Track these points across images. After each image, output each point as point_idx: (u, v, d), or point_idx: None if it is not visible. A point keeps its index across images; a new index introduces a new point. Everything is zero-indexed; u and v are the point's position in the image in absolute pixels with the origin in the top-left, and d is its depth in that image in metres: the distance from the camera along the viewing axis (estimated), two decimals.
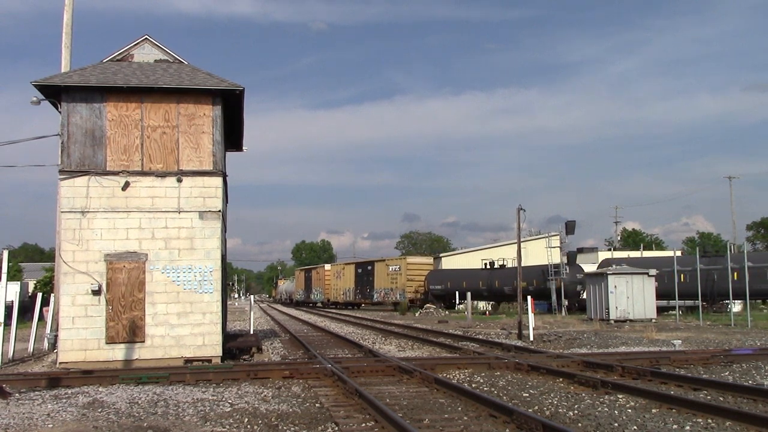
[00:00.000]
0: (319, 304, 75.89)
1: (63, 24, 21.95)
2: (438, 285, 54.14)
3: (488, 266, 51.43)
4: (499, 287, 47.91)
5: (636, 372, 13.10)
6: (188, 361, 16.81)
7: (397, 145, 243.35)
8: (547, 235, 53.43)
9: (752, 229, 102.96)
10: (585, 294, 39.91)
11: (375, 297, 61.78)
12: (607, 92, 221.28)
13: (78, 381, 13.27)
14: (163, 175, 17.29)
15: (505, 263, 50.39)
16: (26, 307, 37.11)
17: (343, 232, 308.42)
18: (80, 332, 16.47)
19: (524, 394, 11.42)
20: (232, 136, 21.41)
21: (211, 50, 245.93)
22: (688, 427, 8.65)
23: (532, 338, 22.67)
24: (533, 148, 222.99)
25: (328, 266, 78.63)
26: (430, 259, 64.58)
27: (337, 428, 8.91)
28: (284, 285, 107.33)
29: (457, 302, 50.16)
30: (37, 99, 17.77)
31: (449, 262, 65.78)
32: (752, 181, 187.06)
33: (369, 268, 63.83)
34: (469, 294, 39.51)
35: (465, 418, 9.39)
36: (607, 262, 44.21)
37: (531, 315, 23.91)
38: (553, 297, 42.49)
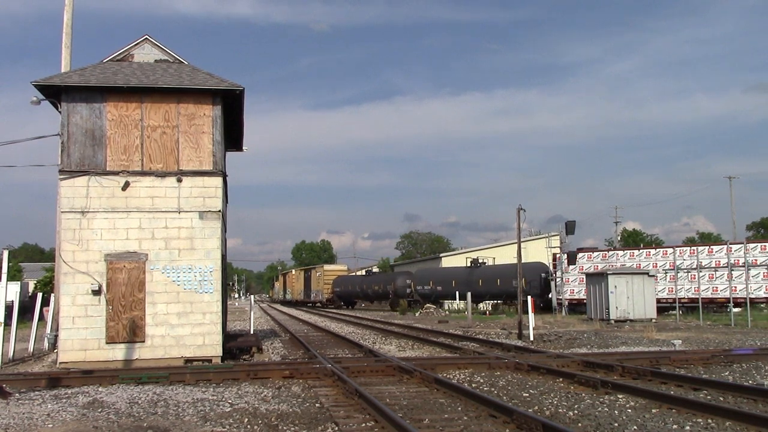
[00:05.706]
0: (288, 303, 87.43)
1: (63, 24, 21.97)
2: (339, 288, 67.99)
3: (366, 273, 69.37)
4: (368, 288, 63.42)
5: (636, 372, 13.09)
6: (188, 360, 16.82)
7: (397, 145, 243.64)
8: (547, 235, 53.64)
9: (752, 229, 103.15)
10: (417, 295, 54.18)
11: (311, 297, 74.62)
12: (606, 93, 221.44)
13: (78, 381, 13.28)
14: (163, 175, 17.29)
15: (376, 271, 73.09)
16: (26, 307, 37.10)
17: (344, 232, 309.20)
18: (80, 332, 16.48)
19: (524, 394, 11.42)
20: (232, 136, 21.41)
21: (212, 51, 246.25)
22: (688, 427, 8.64)
23: (532, 338, 22.67)
24: (533, 149, 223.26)
25: (294, 271, 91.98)
26: (343, 267, 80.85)
27: (337, 428, 8.91)
28: (278, 286, 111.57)
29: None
30: (37, 99, 17.77)
31: (449, 263, 66.42)
32: (752, 181, 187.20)
33: (309, 273, 77.51)
34: (469, 294, 39.50)
35: (465, 418, 9.39)
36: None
37: (531, 315, 23.91)
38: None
